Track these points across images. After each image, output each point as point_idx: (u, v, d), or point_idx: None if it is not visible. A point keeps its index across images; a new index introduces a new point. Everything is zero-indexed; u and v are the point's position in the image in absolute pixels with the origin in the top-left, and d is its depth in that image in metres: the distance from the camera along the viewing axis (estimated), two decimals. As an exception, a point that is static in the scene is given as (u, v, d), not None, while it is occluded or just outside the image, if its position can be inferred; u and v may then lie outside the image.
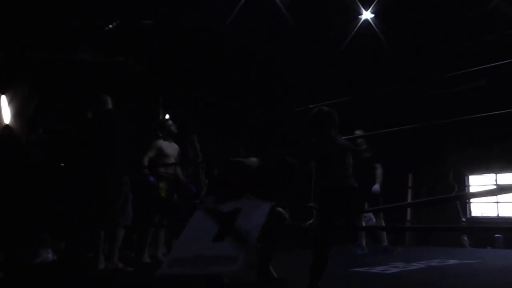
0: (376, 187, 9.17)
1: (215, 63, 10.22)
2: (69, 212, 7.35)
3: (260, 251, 5.78)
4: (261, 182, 5.15)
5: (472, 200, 11.68)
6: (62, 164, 8.22)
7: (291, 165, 5.41)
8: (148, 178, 7.48)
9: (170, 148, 7.85)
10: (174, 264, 4.93)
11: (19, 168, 7.80)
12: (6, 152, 7.98)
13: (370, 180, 8.93)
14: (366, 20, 9.05)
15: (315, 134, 4.88)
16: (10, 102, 8.75)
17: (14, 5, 7.94)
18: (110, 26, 8.99)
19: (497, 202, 11.40)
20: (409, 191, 11.92)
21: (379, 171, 9.19)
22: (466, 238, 10.87)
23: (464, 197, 11.57)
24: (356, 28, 9.18)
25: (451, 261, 7.79)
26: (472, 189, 11.75)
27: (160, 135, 7.88)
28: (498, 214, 11.40)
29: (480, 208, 11.70)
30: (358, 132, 8.29)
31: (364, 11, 8.85)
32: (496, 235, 10.54)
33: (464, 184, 11.69)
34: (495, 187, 11.26)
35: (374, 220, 9.32)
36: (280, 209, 5.62)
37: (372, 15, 8.93)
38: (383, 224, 9.12)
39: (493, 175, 11.49)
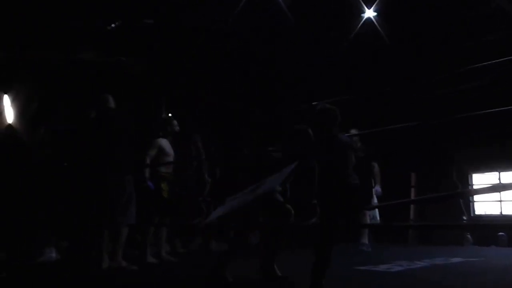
0: (378, 189, 9.18)
1: (216, 63, 10.21)
2: (72, 211, 7.35)
3: (264, 249, 5.79)
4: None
5: (475, 198, 11.67)
6: (64, 164, 8.22)
7: (275, 160, 5.49)
8: (147, 183, 7.46)
9: (169, 147, 7.83)
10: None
11: (21, 167, 7.82)
12: (8, 151, 7.99)
13: (365, 179, 8.90)
14: (368, 19, 9.04)
15: (317, 131, 4.88)
16: (12, 102, 8.77)
17: (15, 5, 7.94)
18: (111, 26, 9.00)
19: (500, 201, 11.39)
20: (412, 190, 11.90)
21: (376, 170, 9.17)
22: (469, 236, 10.86)
23: (466, 194, 11.54)
24: (358, 27, 9.18)
25: (455, 259, 7.80)
26: (475, 188, 11.75)
27: (161, 133, 7.85)
28: (501, 212, 11.39)
29: (483, 206, 11.70)
30: (353, 131, 8.28)
31: (366, 9, 8.85)
32: (500, 233, 10.54)
33: (467, 183, 11.68)
34: (498, 184, 11.25)
35: (378, 219, 9.32)
36: (288, 206, 5.64)
37: (375, 14, 8.92)
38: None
39: (496, 173, 11.49)
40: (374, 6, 8.72)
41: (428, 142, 10.99)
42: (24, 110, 8.86)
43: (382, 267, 6.77)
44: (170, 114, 10.33)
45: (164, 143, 7.71)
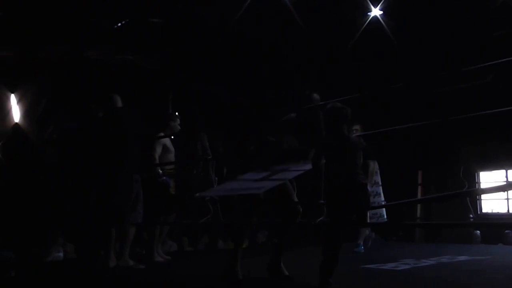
0: (369, 188, 9.16)
1: (224, 60, 10.21)
2: (80, 210, 7.37)
3: (272, 248, 5.81)
4: None
5: (482, 196, 11.64)
6: (72, 163, 8.24)
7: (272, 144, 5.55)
8: (162, 178, 7.50)
9: (170, 143, 7.83)
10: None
11: (29, 166, 7.85)
12: (16, 151, 8.03)
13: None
14: (375, 17, 9.04)
15: (327, 130, 4.89)
16: (19, 101, 8.79)
17: (23, 4, 7.97)
18: (119, 24, 9.01)
19: (507, 199, 11.35)
20: (419, 188, 11.89)
21: (370, 169, 9.15)
22: (478, 233, 10.84)
23: (474, 193, 11.50)
24: (365, 25, 9.17)
25: (462, 258, 7.79)
26: (483, 186, 11.70)
27: (162, 134, 7.85)
28: (508, 211, 11.36)
29: (490, 204, 11.66)
30: (356, 127, 8.29)
31: (373, 8, 8.85)
32: (507, 231, 10.52)
33: (474, 181, 11.65)
34: (505, 183, 11.21)
35: (385, 217, 9.30)
36: (299, 206, 5.66)
37: (381, 12, 8.92)
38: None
39: (504, 171, 11.45)
40: (380, 4, 8.72)
41: (435, 140, 10.98)
42: (31, 109, 8.89)
43: (389, 266, 6.78)
44: (176, 113, 10.34)
45: (167, 141, 7.72)
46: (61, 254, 7.89)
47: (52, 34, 8.59)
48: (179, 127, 7.93)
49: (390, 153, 10.55)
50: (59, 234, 8.06)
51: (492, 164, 11.35)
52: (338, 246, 4.67)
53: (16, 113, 8.75)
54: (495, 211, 11.55)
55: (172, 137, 7.93)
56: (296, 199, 5.72)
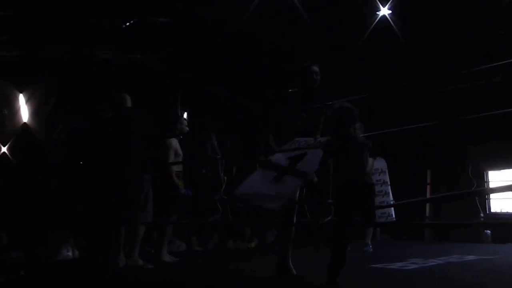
0: None
1: (233, 60, 10.22)
2: (89, 209, 7.41)
3: (280, 247, 5.82)
4: None
5: (491, 196, 11.60)
6: (81, 162, 8.28)
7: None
8: (183, 191, 7.53)
9: (178, 145, 7.81)
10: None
11: (37, 166, 7.89)
12: (24, 150, 8.07)
13: None
14: (383, 16, 9.03)
15: (334, 129, 4.89)
16: (28, 100, 8.84)
17: (32, 3, 8.00)
18: (128, 23, 9.03)
19: (516, 198, 11.33)
20: (428, 187, 11.87)
21: (368, 166, 9.12)
22: (488, 233, 10.82)
23: (483, 192, 11.46)
24: (373, 24, 9.16)
25: (470, 257, 7.77)
26: (491, 185, 11.67)
27: (169, 132, 7.82)
28: (517, 210, 11.33)
29: (499, 204, 11.63)
30: (357, 125, 8.29)
31: (381, 7, 8.83)
32: (516, 231, 10.50)
33: (483, 180, 11.62)
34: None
35: (394, 217, 9.30)
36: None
37: (389, 11, 8.90)
38: None
39: (512, 170, 11.42)
40: (388, 4, 8.70)
41: (444, 139, 10.96)
42: (40, 109, 8.93)
43: (397, 265, 6.77)
44: (185, 113, 10.38)
45: (174, 142, 7.71)
46: (70, 254, 7.92)
47: (60, 34, 8.62)
48: (187, 129, 7.91)
49: (399, 152, 10.54)
50: (68, 233, 8.09)
51: (501, 163, 11.31)
52: (345, 245, 4.68)
53: (24, 112, 8.79)
54: (504, 210, 11.51)
55: (181, 136, 7.92)
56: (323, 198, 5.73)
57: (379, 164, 9.67)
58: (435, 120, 5.56)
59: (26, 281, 5.96)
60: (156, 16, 8.93)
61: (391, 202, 9.52)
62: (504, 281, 5.78)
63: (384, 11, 8.90)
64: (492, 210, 11.61)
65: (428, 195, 11.63)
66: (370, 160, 9.11)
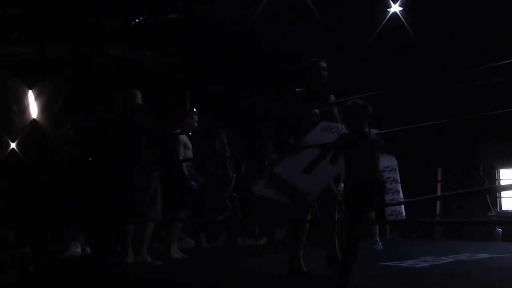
0: None
1: (241, 58, 10.21)
2: (98, 206, 7.40)
3: (291, 244, 5.80)
4: None
5: (502, 193, 11.54)
6: (90, 159, 8.28)
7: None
8: (199, 178, 7.54)
9: (188, 140, 7.78)
10: (266, 186, 5.54)
11: (46, 162, 7.88)
12: (33, 146, 8.07)
13: None
14: (394, 13, 8.99)
15: (347, 126, 4.86)
16: (37, 97, 8.84)
17: (40, 1, 8.00)
18: (136, 20, 9.03)
19: (528, 196, 11.26)
20: (439, 185, 11.82)
21: None
22: (499, 231, 10.75)
23: (494, 190, 11.40)
24: (384, 22, 9.12)
25: (481, 255, 7.72)
26: (503, 183, 11.61)
27: (179, 130, 7.78)
28: (529, 208, 11.27)
29: (511, 202, 11.56)
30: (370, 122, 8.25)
31: (392, 4, 8.79)
32: (527, 229, 10.43)
33: (494, 178, 11.56)
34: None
35: (404, 214, 9.26)
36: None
37: (400, 8, 8.86)
38: None
39: (524, 168, 11.36)
40: (400, 0, 8.67)
41: (455, 137, 10.90)
42: (49, 106, 8.93)
43: (408, 263, 6.74)
44: (194, 109, 10.35)
45: (185, 137, 7.67)
46: (79, 250, 7.92)
47: (70, 31, 8.63)
48: (196, 124, 7.84)
49: (410, 150, 10.49)
50: (77, 229, 8.09)
51: (513, 161, 11.25)
52: (357, 243, 4.65)
53: (33, 109, 8.79)
54: (515, 209, 11.44)
55: (190, 133, 7.89)
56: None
57: (390, 162, 9.64)
58: (446, 118, 5.52)
59: (35, 277, 5.96)
60: (156, 16, 8.95)
61: (401, 200, 9.48)
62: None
63: (395, 8, 8.86)
64: (503, 208, 11.54)
65: (439, 193, 11.58)
66: None
